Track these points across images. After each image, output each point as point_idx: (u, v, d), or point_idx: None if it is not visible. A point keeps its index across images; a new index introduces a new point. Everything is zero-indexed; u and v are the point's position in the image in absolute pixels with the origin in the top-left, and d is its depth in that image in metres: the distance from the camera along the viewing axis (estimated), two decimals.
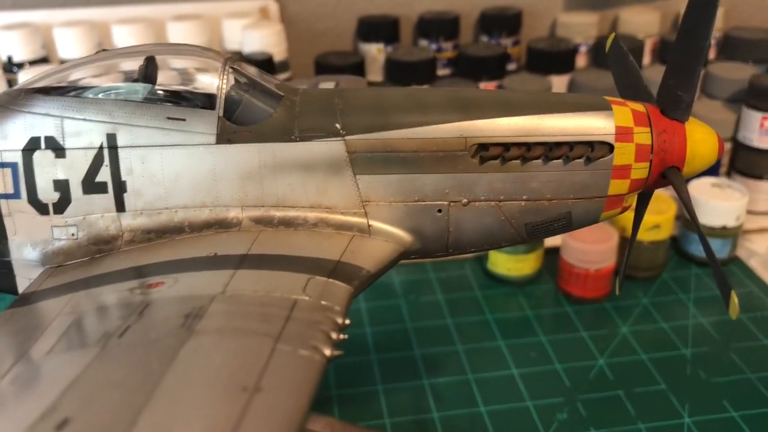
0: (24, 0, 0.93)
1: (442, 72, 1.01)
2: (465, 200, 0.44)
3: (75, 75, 0.46)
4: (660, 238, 0.79)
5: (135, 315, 0.35)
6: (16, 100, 0.43)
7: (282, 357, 0.31)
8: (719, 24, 1.05)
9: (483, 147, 0.43)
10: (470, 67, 0.98)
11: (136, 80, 0.45)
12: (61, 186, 0.43)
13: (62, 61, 0.91)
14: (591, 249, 0.76)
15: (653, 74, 0.97)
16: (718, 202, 0.80)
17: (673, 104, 0.44)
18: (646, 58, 1.02)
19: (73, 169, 0.42)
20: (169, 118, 0.42)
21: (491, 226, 0.45)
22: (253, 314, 0.34)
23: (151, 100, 0.44)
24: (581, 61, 1.02)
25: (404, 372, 0.68)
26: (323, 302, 0.36)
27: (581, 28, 1.01)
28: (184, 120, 0.42)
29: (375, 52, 1.00)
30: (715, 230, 0.81)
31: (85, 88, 0.45)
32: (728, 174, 0.94)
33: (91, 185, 0.43)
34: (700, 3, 0.40)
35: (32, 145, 0.43)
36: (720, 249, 0.82)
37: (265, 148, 0.43)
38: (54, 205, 0.43)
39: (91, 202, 0.43)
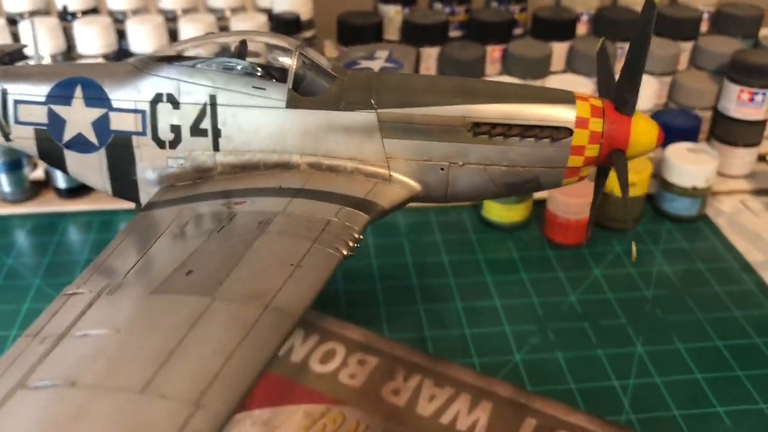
0: None
1: (453, 34, 1.10)
2: (461, 163, 0.57)
3: (190, 49, 0.60)
4: (636, 194, 0.89)
5: (227, 220, 0.51)
6: (147, 66, 0.58)
7: (316, 250, 0.48)
8: (713, 0, 1.13)
9: (476, 125, 0.56)
10: (480, 30, 1.07)
11: (233, 56, 0.59)
12: (175, 129, 0.57)
13: (110, 12, 1.01)
14: (573, 202, 0.86)
15: None
16: (690, 165, 0.90)
17: (622, 102, 0.56)
18: None
19: (185, 118, 0.57)
20: (254, 87, 0.56)
21: (479, 183, 0.58)
22: (301, 226, 0.50)
23: (243, 72, 0.57)
24: (582, 29, 1.10)
25: (404, 298, 0.80)
26: (347, 224, 0.51)
27: None
28: (264, 89, 0.56)
29: (393, 13, 1.09)
30: (687, 190, 0.91)
31: (196, 59, 0.59)
32: (708, 140, 1.04)
33: (196, 130, 0.57)
34: (641, 37, 0.52)
35: (157, 99, 0.57)
36: (690, 207, 0.92)
37: (320, 114, 0.56)
38: (170, 142, 0.58)
39: (195, 143, 0.57)
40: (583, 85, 1.00)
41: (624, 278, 0.84)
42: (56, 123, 0.59)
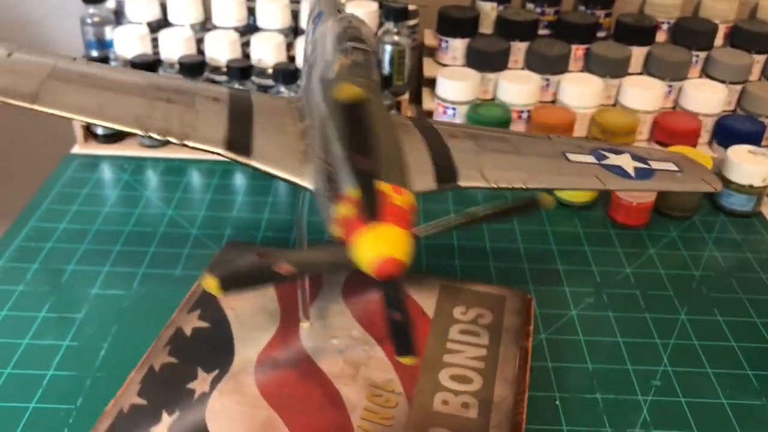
0: None
1: (542, 32, 1.21)
2: None
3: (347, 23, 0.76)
4: None
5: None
6: (331, 20, 0.76)
7: (149, 105, 0.65)
8: None
9: None
10: (566, 30, 1.18)
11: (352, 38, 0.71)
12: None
13: None
14: None
15: (722, 55, 1.15)
16: (749, 165, 0.99)
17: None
18: (719, 41, 1.19)
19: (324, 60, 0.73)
20: (333, 58, 0.69)
21: None
22: (190, 107, 0.66)
23: (342, 49, 0.69)
24: (661, 36, 1.20)
25: (477, 255, 0.92)
26: (187, 125, 0.63)
27: (665, 8, 1.19)
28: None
29: (489, 9, 1.21)
30: (744, 187, 1.00)
31: (344, 28, 0.73)
32: None
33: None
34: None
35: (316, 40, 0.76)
36: (745, 203, 1.01)
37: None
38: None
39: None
40: (657, 87, 1.10)
41: (676, 258, 0.94)
42: (308, 35, 0.82)
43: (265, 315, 0.74)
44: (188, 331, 0.72)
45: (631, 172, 0.69)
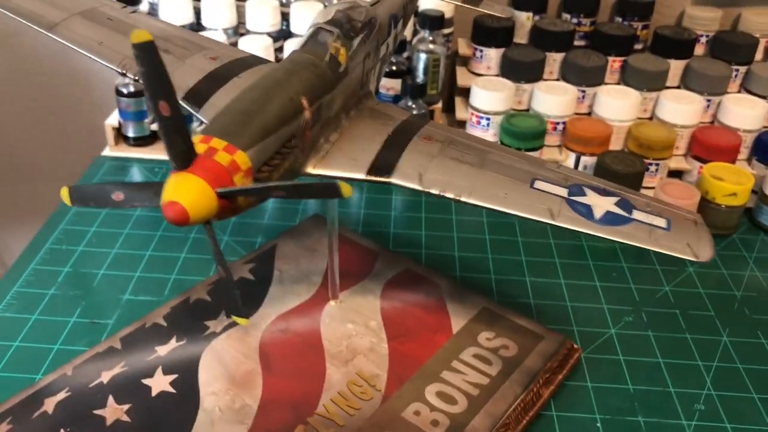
0: None
1: (578, 43, 1.19)
2: None
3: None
4: (735, 203, 0.96)
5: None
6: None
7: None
8: None
9: None
10: (603, 42, 1.16)
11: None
12: None
13: None
14: (677, 204, 0.94)
15: (762, 69, 1.13)
16: None
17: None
18: (759, 55, 1.17)
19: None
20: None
21: None
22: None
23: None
24: (699, 50, 1.18)
25: (513, 270, 0.90)
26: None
27: (704, 21, 1.17)
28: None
29: (524, 19, 1.19)
30: None
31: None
32: None
33: None
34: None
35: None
36: None
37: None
38: None
39: None
40: (695, 101, 1.08)
41: (716, 278, 0.92)
42: None
43: (306, 284, 0.80)
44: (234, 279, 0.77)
45: (598, 215, 0.61)
